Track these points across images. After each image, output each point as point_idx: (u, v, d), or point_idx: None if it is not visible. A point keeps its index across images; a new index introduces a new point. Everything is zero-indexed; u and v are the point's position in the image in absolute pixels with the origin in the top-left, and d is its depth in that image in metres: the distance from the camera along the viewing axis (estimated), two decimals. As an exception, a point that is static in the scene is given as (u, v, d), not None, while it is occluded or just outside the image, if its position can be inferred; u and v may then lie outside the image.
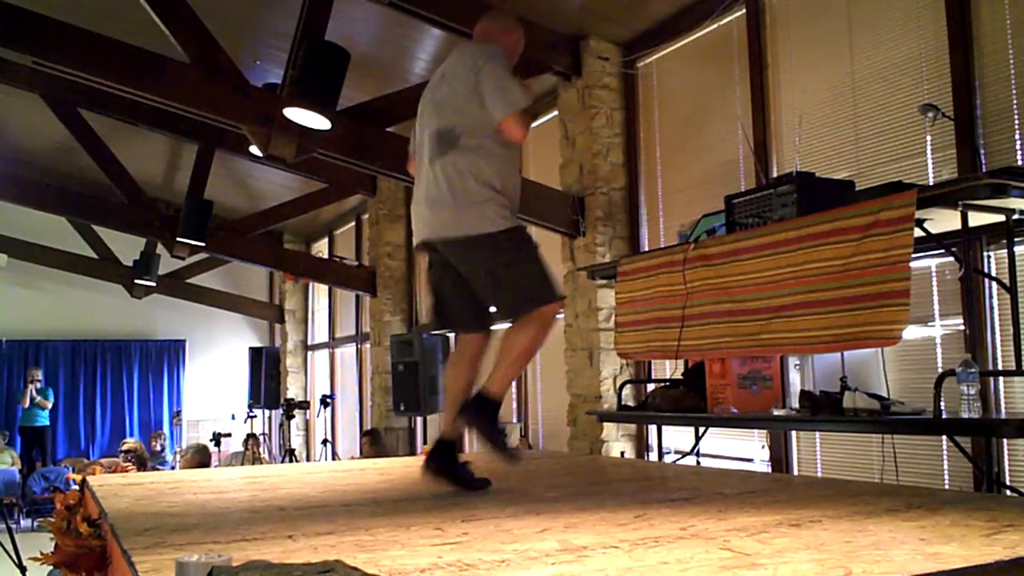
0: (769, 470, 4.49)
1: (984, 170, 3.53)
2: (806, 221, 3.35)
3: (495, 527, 2.00)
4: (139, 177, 8.75)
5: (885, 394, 3.44)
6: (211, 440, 9.80)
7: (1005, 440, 3.45)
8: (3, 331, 11.76)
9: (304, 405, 10.23)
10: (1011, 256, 3.26)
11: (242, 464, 9.37)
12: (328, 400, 9.70)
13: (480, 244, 2.71)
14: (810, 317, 3.29)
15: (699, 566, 1.52)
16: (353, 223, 10.39)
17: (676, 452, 4.97)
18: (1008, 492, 3.30)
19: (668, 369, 5.04)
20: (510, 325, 2.76)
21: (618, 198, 5.59)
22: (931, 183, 3.63)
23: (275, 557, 1.56)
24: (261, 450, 10.17)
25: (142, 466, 8.11)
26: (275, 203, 9.39)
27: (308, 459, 10.94)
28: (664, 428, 4.87)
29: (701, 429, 4.59)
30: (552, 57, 5.57)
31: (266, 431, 11.95)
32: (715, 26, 4.97)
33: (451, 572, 1.53)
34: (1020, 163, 3.50)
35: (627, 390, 5.05)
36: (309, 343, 12.10)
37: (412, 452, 8.29)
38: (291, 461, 9.37)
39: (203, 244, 8.35)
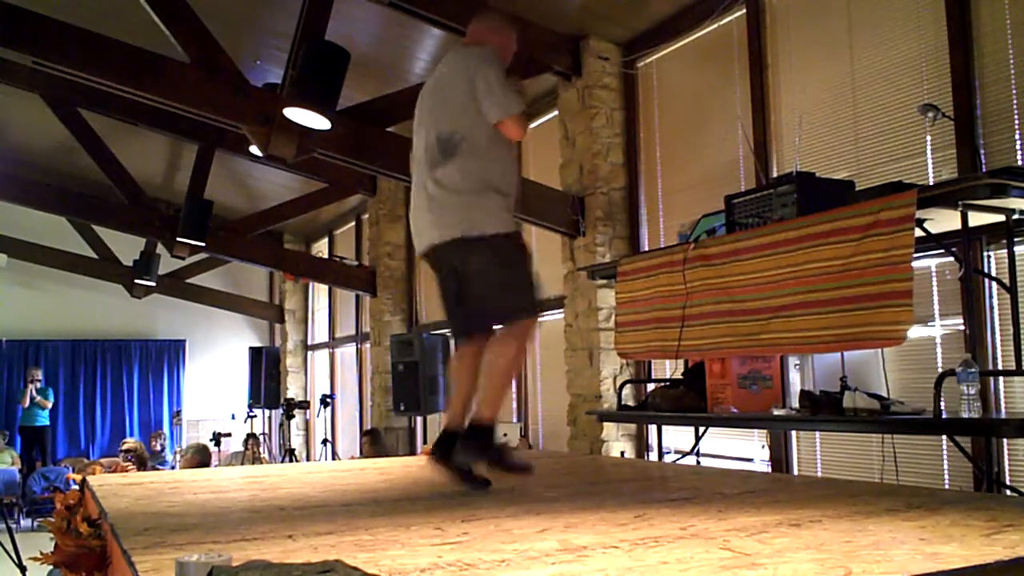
0: (769, 470, 4.49)
1: (984, 170, 3.53)
2: (806, 221, 3.36)
3: (495, 527, 2.00)
4: (139, 177, 8.75)
5: (885, 394, 3.44)
6: (211, 440, 9.80)
7: (1005, 440, 3.45)
8: (3, 331, 11.77)
9: (304, 405, 10.23)
10: (1011, 256, 3.26)
11: (242, 464, 9.36)
12: (328, 400, 9.70)
13: (480, 244, 2.74)
14: (810, 317, 3.29)
15: (699, 566, 1.52)
16: (353, 223, 10.40)
17: (676, 452, 4.98)
18: (1008, 492, 3.30)
19: (668, 369, 5.04)
20: (490, 346, 2.82)
21: (618, 198, 5.59)
22: (931, 183, 3.63)
23: (275, 557, 1.55)
24: (261, 450, 10.17)
25: (142, 466, 8.10)
26: (275, 203, 9.39)
27: (308, 459, 10.94)
28: (664, 428, 4.87)
29: (701, 429, 4.59)
30: (552, 57, 5.58)
31: (266, 431, 11.95)
32: (715, 26, 4.97)
33: (451, 572, 1.53)
34: (1020, 163, 3.50)
35: (627, 390, 5.05)
36: (309, 343, 12.10)
37: (412, 452, 8.29)
38: (291, 461, 9.36)
39: (203, 244, 8.35)
